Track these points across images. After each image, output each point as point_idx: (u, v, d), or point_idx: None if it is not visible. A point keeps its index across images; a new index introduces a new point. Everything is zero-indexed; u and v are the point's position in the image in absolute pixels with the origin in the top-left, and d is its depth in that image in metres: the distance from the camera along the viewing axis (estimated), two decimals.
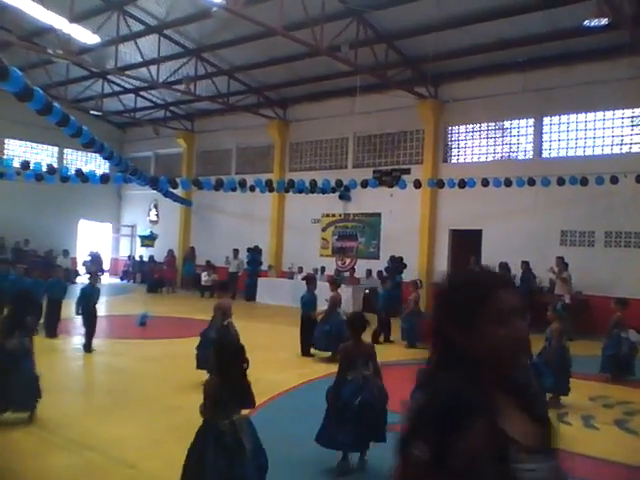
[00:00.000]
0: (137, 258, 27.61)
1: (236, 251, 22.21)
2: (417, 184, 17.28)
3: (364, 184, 17.91)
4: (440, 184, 17.10)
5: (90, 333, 10.27)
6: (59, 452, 5.53)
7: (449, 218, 18.76)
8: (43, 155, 26.85)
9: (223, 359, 3.98)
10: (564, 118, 16.95)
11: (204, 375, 8.15)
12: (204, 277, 22.05)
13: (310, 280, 11.47)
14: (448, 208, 18.75)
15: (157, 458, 5.39)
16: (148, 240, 24.43)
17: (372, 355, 5.50)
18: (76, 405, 7.42)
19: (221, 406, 3.86)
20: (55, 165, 23.06)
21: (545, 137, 17.30)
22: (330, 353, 10.58)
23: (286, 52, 18.25)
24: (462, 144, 19.12)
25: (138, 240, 27.52)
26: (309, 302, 10.94)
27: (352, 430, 5.14)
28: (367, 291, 18.21)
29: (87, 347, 10.23)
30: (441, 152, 19.20)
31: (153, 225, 24.34)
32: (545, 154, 17.31)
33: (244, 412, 4.13)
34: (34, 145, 26.75)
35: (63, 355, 10.23)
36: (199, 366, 8.06)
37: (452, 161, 19.22)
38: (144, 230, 24.84)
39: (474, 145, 18.83)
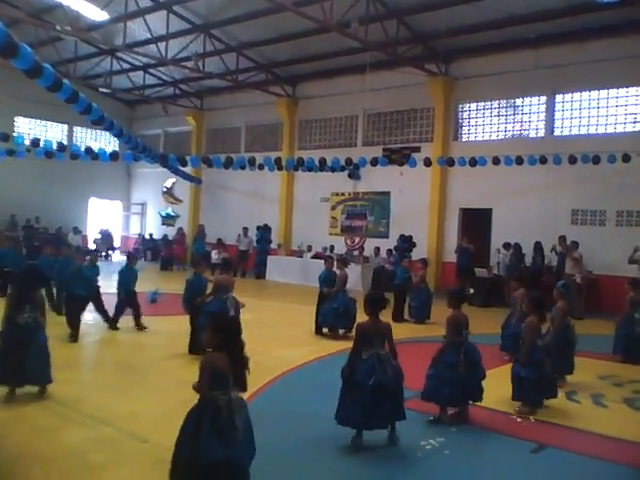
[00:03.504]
0: (147, 236, 27.79)
1: (245, 229, 22.25)
2: (427, 162, 17.17)
3: (374, 162, 17.84)
4: (450, 162, 16.99)
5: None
6: (74, 427, 5.62)
7: (459, 197, 18.68)
8: (53, 133, 26.92)
9: (221, 333, 3.88)
10: (576, 95, 16.73)
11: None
12: (214, 255, 22.09)
13: (327, 258, 11.88)
14: (458, 187, 18.66)
15: (169, 432, 5.38)
16: (170, 219, 24.55)
17: (388, 334, 5.50)
18: (90, 380, 7.52)
19: (219, 381, 3.78)
20: (65, 143, 23.11)
21: (557, 115, 17.11)
22: (342, 331, 10.74)
23: (295, 28, 18.09)
24: (473, 122, 18.94)
25: (152, 219, 27.73)
26: (327, 279, 11.10)
27: (364, 409, 5.19)
28: (387, 266, 18.23)
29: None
30: (452, 130, 19.05)
31: (170, 205, 24.44)
32: (557, 132, 17.14)
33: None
34: (44, 123, 26.80)
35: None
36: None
37: (463, 139, 19.07)
38: (165, 209, 24.95)
39: (485, 123, 18.66)
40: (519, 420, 6.28)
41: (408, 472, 5.02)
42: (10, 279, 12.72)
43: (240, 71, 21.77)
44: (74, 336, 9.36)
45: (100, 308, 10.40)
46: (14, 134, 23.25)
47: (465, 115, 19.11)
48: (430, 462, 5.17)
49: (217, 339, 3.88)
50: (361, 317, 10.44)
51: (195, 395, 3.92)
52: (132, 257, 11.48)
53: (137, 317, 10.52)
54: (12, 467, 4.66)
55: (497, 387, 6.65)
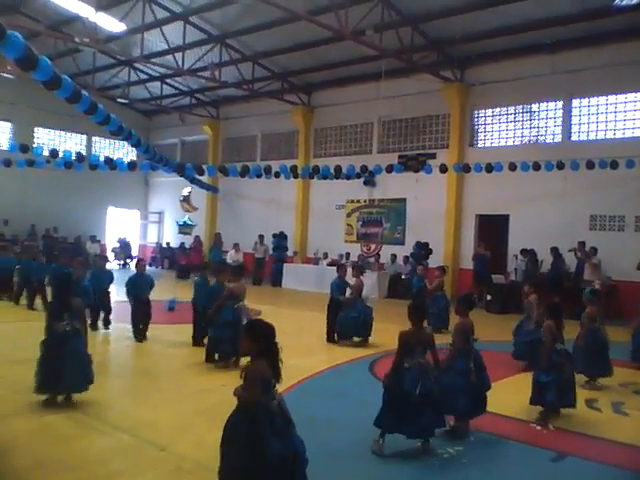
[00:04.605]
0: (164, 245, 27.99)
1: (262, 237, 22.31)
2: (443, 169, 17.13)
3: (389, 169, 17.82)
4: (466, 169, 16.94)
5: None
6: (94, 434, 5.66)
7: (475, 203, 18.60)
8: (72, 143, 27.27)
9: (261, 339, 3.88)
10: (594, 100, 16.62)
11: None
12: (231, 256, 21.70)
13: (340, 267, 11.65)
14: (474, 193, 18.58)
15: (187, 440, 5.49)
16: (186, 228, 24.69)
17: (431, 343, 5.47)
18: (109, 388, 7.57)
19: (267, 388, 3.81)
20: (84, 153, 23.41)
21: (574, 120, 17.00)
22: (358, 339, 10.65)
23: (310, 37, 18.19)
24: (489, 128, 18.88)
25: (169, 227, 27.88)
26: (338, 287, 11.02)
27: (415, 419, 5.17)
28: (403, 277, 18.21)
29: None
30: (467, 136, 19.00)
31: (187, 214, 24.65)
32: (574, 137, 17.02)
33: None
34: (63, 133, 27.17)
35: (94, 340, 10.40)
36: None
37: (479, 145, 19.01)
38: (182, 218, 25.14)
39: (501, 129, 18.59)
40: (538, 428, 6.21)
41: None
42: (38, 291, 12.96)
43: (256, 80, 21.91)
44: None
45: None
46: (33, 145, 23.59)
47: (481, 121, 19.05)
48: (448, 471, 5.13)
49: (257, 346, 3.88)
50: (378, 325, 10.55)
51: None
52: (140, 263, 11.23)
53: (146, 325, 10.32)
54: (32, 475, 4.69)
55: (515, 395, 6.60)
